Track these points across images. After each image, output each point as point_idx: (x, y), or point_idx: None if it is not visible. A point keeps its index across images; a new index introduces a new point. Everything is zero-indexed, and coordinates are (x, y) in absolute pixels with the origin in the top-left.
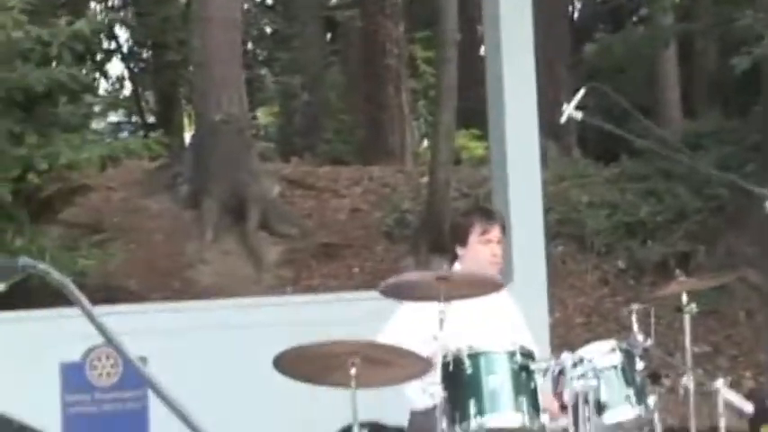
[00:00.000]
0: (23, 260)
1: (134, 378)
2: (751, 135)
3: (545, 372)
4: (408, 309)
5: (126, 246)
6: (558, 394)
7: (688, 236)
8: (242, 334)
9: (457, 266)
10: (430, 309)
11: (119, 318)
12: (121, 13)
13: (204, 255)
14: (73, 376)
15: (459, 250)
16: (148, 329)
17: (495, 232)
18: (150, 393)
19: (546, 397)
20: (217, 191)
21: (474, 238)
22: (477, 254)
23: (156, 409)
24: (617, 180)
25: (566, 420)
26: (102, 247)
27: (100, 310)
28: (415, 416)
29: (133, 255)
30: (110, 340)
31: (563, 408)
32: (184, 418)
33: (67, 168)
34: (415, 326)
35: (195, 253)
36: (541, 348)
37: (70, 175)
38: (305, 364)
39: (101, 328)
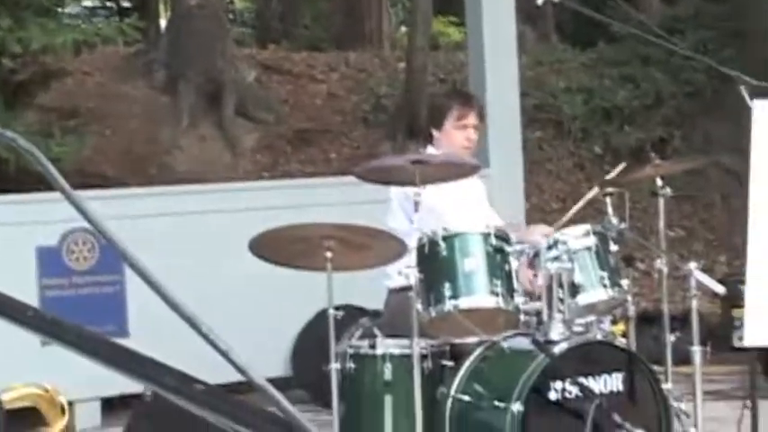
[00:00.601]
0: None
1: (111, 262)
2: (730, 20)
3: (520, 254)
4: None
5: (101, 131)
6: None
7: (665, 121)
8: (218, 219)
9: (431, 149)
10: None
11: (95, 203)
12: None
13: (180, 141)
14: (49, 260)
15: (435, 133)
16: (124, 215)
17: (471, 118)
18: (127, 278)
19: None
20: (193, 76)
21: (450, 121)
22: (452, 138)
23: (133, 292)
24: (594, 65)
25: (539, 303)
26: (76, 132)
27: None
28: (392, 294)
29: (108, 141)
30: (75, 205)
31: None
32: (164, 296)
33: (42, 53)
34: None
35: (171, 139)
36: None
37: (45, 59)
38: (280, 248)
39: (61, 188)
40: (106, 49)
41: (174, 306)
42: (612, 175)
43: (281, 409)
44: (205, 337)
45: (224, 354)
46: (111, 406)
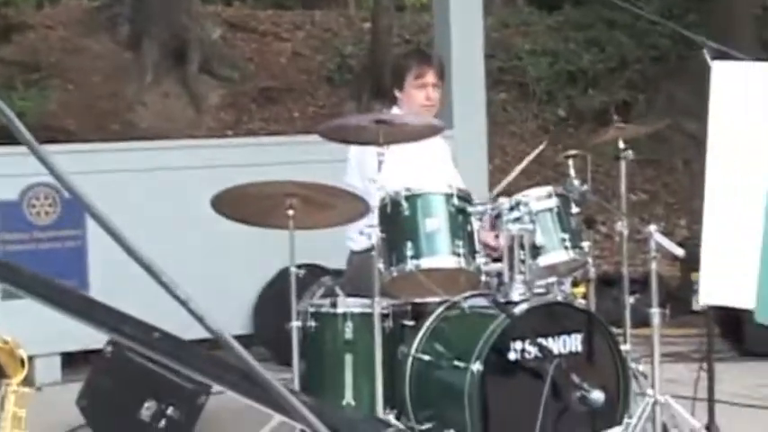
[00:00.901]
0: None
1: (72, 217)
2: None
3: (482, 215)
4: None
5: (64, 86)
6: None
7: (629, 84)
8: (181, 175)
9: (395, 110)
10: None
11: (57, 158)
12: None
13: (144, 97)
14: (10, 214)
15: (398, 93)
16: (87, 170)
17: (429, 76)
18: (89, 232)
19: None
20: (157, 32)
21: (409, 80)
22: (412, 97)
23: (94, 248)
24: (560, 28)
25: (501, 264)
26: (39, 86)
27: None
28: (353, 256)
29: (71, 95)
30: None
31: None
32: (126, 247)
33: (3, 5)
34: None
35: (135, 95)
36: (479, 195)
37: (6, 12)
38: (243, 206)
39: (26, 140)
40: (69, 2)
41: (136, 257)
42: (534, 154)
43: (240, 358)
44: (164, 286)
45: (183, 303)
46: (71, 361)
